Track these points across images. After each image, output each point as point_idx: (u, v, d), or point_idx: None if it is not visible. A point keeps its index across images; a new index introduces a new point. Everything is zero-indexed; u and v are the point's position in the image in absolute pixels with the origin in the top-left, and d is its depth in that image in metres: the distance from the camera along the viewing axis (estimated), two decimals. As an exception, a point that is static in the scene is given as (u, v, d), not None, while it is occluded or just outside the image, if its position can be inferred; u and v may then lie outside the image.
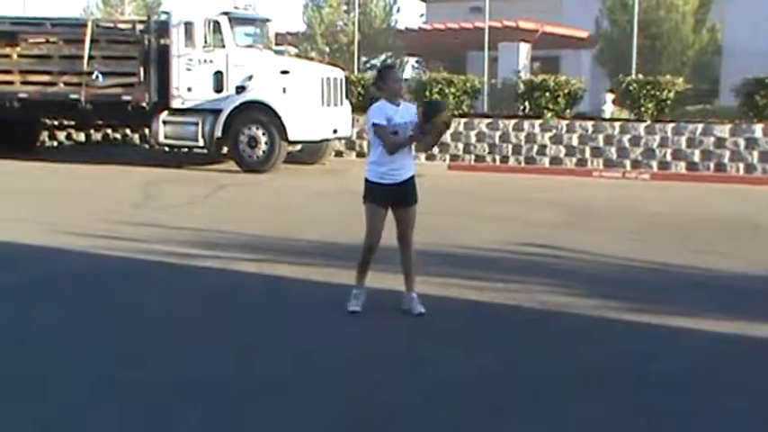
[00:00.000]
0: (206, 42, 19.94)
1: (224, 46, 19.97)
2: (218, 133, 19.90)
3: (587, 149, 21.63)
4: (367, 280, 7.90)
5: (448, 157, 22.60)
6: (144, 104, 20.60)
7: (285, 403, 5.76)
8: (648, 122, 21.40)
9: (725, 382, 6.30)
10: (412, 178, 7.73)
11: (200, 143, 20.32)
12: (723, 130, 20.73)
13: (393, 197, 7.61)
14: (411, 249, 7.80)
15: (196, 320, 7.65)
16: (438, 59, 33.39)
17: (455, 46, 31.62)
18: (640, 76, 22.12)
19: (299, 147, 20.62)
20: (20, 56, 21.67)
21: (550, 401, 5.88)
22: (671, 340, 7.27)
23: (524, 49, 30.64)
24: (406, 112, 7.58)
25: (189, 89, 20.27)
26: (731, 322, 7.70)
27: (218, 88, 19.99)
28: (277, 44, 22.85)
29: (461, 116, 22.82)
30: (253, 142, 19.69)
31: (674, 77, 21.89)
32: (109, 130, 26.24)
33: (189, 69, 20.19)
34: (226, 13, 20.39)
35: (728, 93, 22.72)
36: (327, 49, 29.05)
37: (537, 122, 22.12)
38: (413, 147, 7.70)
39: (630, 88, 21.76)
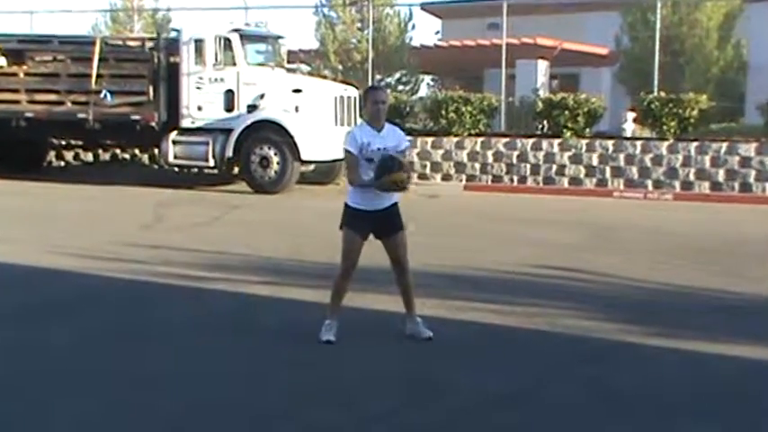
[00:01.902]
0: (217, 60, 19.73)
1: (235, 64, 19.76)
2: (230, 153, 19.69)
3: (608, 169, 21.31)
4: (383, 301, 7.84)
5: (464, 177, 22.33)
6: (153, 124, 20.40)
7: (304, 426, 5.69)
8: (671, 141, 21.04)
9: (754, 410, 6.12)
10: (394, 206, 7.42)
11: (211, 163, 20.10)
12: (748, 148, 20.38)
13: (374, 225, 7.33)
14: (408, 274, 7.47)
15: (207, 344, 7.50)
16: (454, 77, 33.08)
17: (472, 63, 31.35)
18: (662, 93, 21.75)
19: (311, 167, 20.34)
20: (27, 74, 21.60)
21: (573, 428, 5.77)
22: (697, 366, 7.06)
23: (543, 66, 30.29)
24: (388, 137, 7.30)
25: (199, 108, 20.03)
26: (759, 348, 7.52)
27: (229, 107, 19.76)
28: (289, 62, 22.68)
29: (478, 135, 22.53)
30: (264, 162, 19.41)
31: (698, 95, 21.53)
32: (117, 150, 26.06)
33: (199, 88, 19.96)
34: (237, 31, 20.11)
35: (754, 110, 22.32)
36: (341, 67, 28.75)
37: (556, 141, 21.81)
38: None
39: (652, 106, 21.37)
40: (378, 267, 7.92)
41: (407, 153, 7.35)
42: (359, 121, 20.51)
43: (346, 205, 7.37)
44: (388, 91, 8.71)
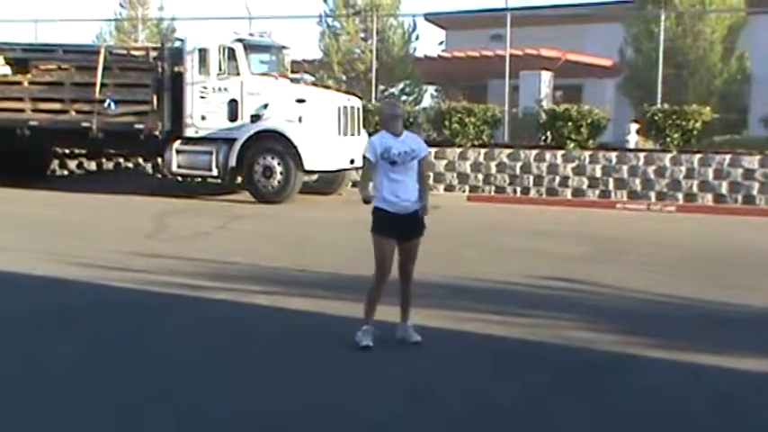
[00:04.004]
0: (220, 70, 19.66)
1: (239, 73, 19.70)
2: (233, 163, 19.61)
3: (611, 181, 21.22)
4: (386, 312, 7.70)
5: (467, 187, 22.24)
6: (157, 133, 20.36)
7: None
8: (674, 153, 20.95)
9: (755, 423, 6.12)
10: (418, 212, 7.63)
11: (214, 173, 20.02)
12: (752, 161, 20.27)
13: (400, 228, 7.51)
14: (411, 282, 7.72)
15: (208, 355, 7.52)
16: (458, 88, 33.04)
17: (475, 74, 31.29)
18: (666, 105, 21.70)
19: (314, 177, 20.29)
20: (31, 83, 21.53)
21: None
22: (699, 378, 7.05)
23: (546, 77, 30.19)
24: (408, 142, 7.59)
25: (203, 117, 19.97)
26: (760, 360, 7.50)
27: (233, 117, 19.70)
28: (293, 72, 22.53)
29: (481, 146, 22.49)
30: (268, 172, 19.34)
31: (701, 107, 21.46)
32: (121, 159, 26.04)
33: (203, 97, 19.90)
34: (241, 40, 20.05)
35: (757, 123, 22.26)
36: (344, 78, 28.72)
37: (559, 153, 21.72)
38: (415, 178, 7.57)
39: (656, 118, 21.34)
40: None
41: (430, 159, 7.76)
42: (362, 131, 20.59)
43: (375, 208, 7.56)
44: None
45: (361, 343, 7.45)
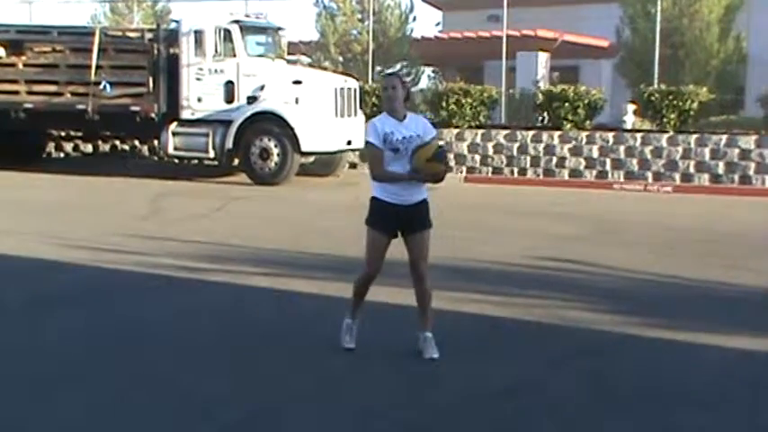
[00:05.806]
0: (216, 52, 19.58)
1: (235, 55, 19.62)
2: (229, 145, 19.56)
3: (608, 161, 21.21)
4: (380, 293, 7.58)
5: (464, 168, 22.22)
6: (153, 115, 20.28)
7: (303, 422, 5.63)
8: (671, 133, 20.95)
9: (754, 401, 6.12)
10: (423, 202, 6.82)
11: (211, 155, 19.97)
12: (748, 141, 20.28)
13: (400, 221, 6.69)
14: (425, 283, 6.82)
15: (206, 337, 7.52)
16: (454, 69, 32.99)
17: (472, 55, 31.24)
18: (663, 85, 21.68)
19: (311, 159, 20.25)
20: (25, 65, 21.42)
21: (574, 420, 5.73)
22: (697, 357, 7.07)
23: (543, 58, 30.20)
24: (412, 126, 6.68)
25: (199, 99, 19.90)
26: (759, 339, 7.53)
27: (229, 99, 19.63)
28: (289, 53, 22.51)
29: (478, 127, 22.46)
30: (264, 154, 19.30)
31: (698, 87, 21.48)
32: (117, 142, 25.91)
33: (199, 79, 19.83)
34: (237, 22, 19.97)
35: (754, 103, 22.26)
36: (341, 59, 28.71)
37: (556, 134, 21.71)
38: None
39: (652, 98, 21.32)
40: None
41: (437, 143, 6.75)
42: (359, 112, 20.56)
43: (373, 198, 6.76)
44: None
45: (344, 345, 6.91)
